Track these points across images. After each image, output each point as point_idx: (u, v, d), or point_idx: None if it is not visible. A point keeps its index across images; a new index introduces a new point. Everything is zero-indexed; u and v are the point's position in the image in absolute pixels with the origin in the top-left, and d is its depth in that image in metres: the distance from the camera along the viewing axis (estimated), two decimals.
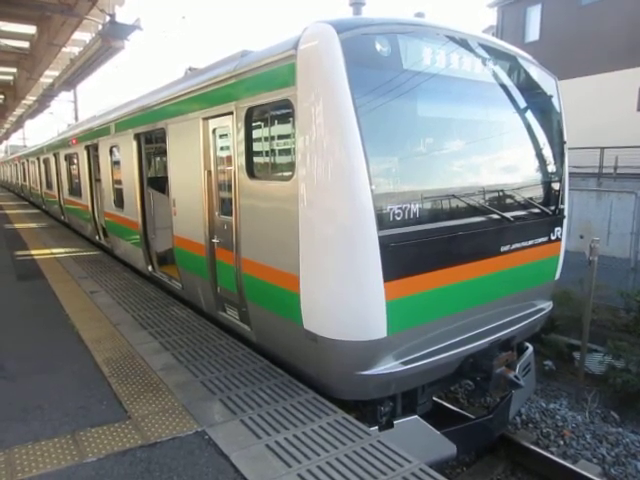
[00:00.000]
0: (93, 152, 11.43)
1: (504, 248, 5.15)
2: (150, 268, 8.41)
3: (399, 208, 4.16)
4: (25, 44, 14.77)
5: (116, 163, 9.81)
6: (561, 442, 6.69)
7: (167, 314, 6.63)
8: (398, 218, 4.16)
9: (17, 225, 16.38)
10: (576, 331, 8.98)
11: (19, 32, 13.75)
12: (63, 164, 15.34)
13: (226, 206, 5.74)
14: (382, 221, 4.03)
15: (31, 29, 13.49)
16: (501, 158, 5.51)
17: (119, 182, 9.56)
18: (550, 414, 7.35)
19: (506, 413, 5.85)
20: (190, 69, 7.39)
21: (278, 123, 4.72)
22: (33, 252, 11.18)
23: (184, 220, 6.73)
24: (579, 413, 7.45)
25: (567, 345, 9.16)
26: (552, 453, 6.32)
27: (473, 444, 5.79)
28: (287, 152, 4.55)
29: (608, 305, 9.65)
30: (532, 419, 7.20)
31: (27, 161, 25.78)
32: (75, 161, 13.70)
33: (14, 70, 18.20)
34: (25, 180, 28.08)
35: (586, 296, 8.04)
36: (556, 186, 5.91)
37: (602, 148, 18.37)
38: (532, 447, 6.26)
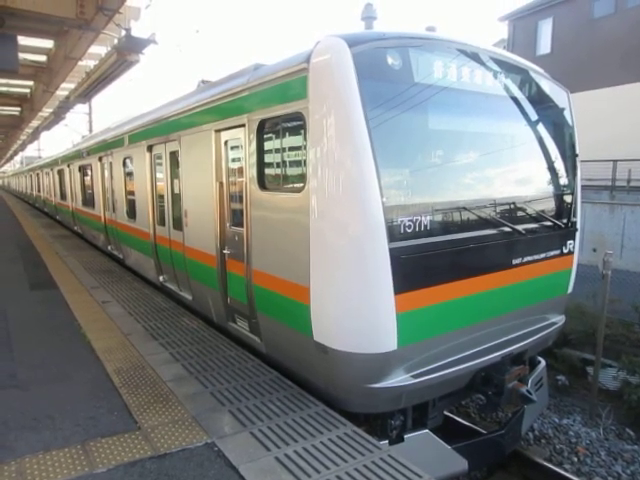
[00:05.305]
0: (107, 163, 11.58)
1: (516, 261, 5.12)
2: (161, 278, 8.46)
3: (410, 220, 4.16)
4: (42, 58, 15.06)
5: (129, 174, 9.94)
6: (575, 459, 6.57)
7: (177, 324, 6.65)
8: (409, 230, 4.15)
9: (31, 235, 16.58)
10: (589, 345, 8.85)
11: (37, 46, 14.04)
12: (76, 175, 15.56)
13: (237, 217, 5.77)
14: (393, 233, 4.03)
15: (49, 43, 13.77)
16: (513, 171, 5.49)
17: (132, 193, 9.67)
18: (563, 430, 7.23)
19: (518, 428, 5.77)
20: (203, 82, 7.49)
21: (289, 135, 4.76)
22: (46, 261, 11.31)
23: (195, 231, 6.78)
24: (593, 429, 7.33)
25: (580, 360, 9.03)
26: (566, 470, 6.20)
27: (485, 460, 5.71)
28: (298, 164, 4.58)
29: (622, 320, 9.50)
30: (545, 435, 7.09)
31: (41, 172, 26.19)
32: (88, 172, 13.90)
33: (31, 83, 18.53)
34: (39, 191, 28.49)
35: (599, 310, 7.94)
36: (568, 199, 5.88)
37: (615, 161, 18.24)
38: (545, 463, 6.16)
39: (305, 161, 4.33)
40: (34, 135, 32.67)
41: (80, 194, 15.25)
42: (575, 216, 5.89)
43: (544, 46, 24.84)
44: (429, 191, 4.57)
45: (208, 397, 4.51)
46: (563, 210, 5.82)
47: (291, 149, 4.76)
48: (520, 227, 5.10)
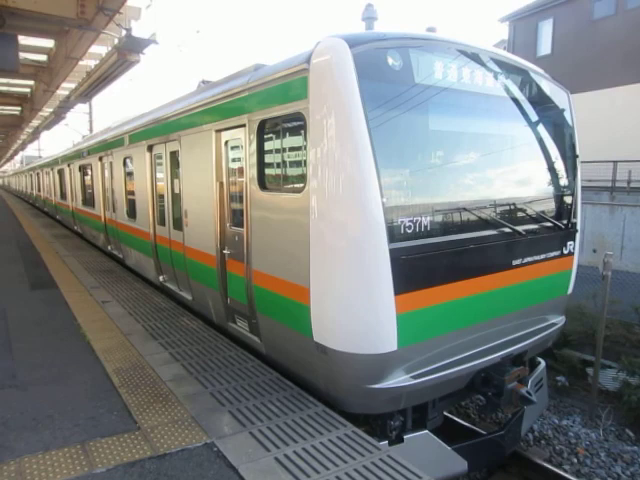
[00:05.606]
0: (107, 163, 11.59)
1: (516, 262, 5.12)
2: (161, 278, 8.46)
3: (410, 221, 4.16)
4: (43, 57, 15.05)
5: (129, 174, 9.94)
6: (575, 460, 6.57)
7: (177, 324, 6.65)
8: (409, 231, 4.15)
9: (31, 234, 16.58)
10: (589, 346, 8.85)
11: (38, 46, 14.04)
12: (76, 175, 15.56)
13: (237, 217, 5.77)
14: (393, 234, 4.03)
15: (49, 43, 13.77)
16: (513, 172, 5.49)
17: (132, 193, 9.68)
18: (563, 431, 7.23)
19: (518, 429, 5.76)
20: (203, 82, 7.49)
21: (290, 136, 4.76)
22: (46, 261, 11.31)
23: (196, 231, 6.78)
24: (593, 430, 7.32)
25: (580, 361, 9.03)
26: (565, 471, 6.20)
27: (484, 460, 5.71)
28: (298, 164, 4.58)
29: (622, 320, 9.50)
30: (545, 436, 7.09)
31: (42, 171, 26.20)
32: (88, 172, 13.90)
33: (32, 83, 18.53)
34: (39, 190, 28.50)
35: (599, 311, 7.94)
36: (568, 200, 5.88)
37: (615, 162, 18.24)
38: (545, 464, 6.15)
39: (305, 161, 4.33)
40: (34, 135, 32.68)
41: (80, 194, 15.25)
42: (575, 217, 5.89)
43: (544, 47, 24.84)
44: (429, 192, 4.57)
45: (208, 397, 4.51)
46: (563, 211, 5.82)
47: (291, 149, 4.76)
48: (520, 228, 5.10)
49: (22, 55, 12.37)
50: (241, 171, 5.53)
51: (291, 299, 4.66)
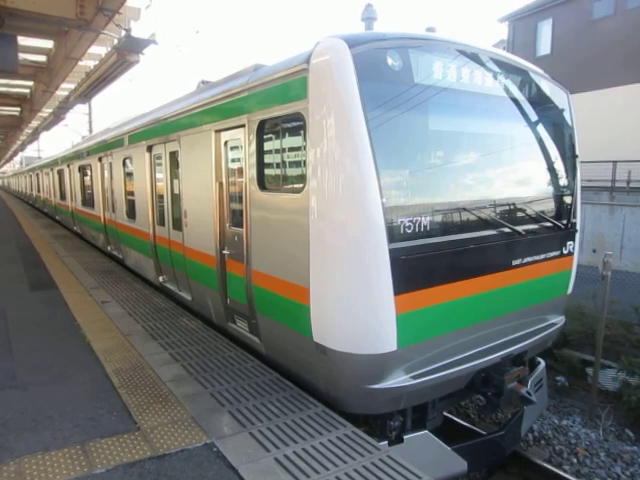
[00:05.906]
0: (106, 164, 11.59)
1: (515, 262, 5.12)
2: (161, 279, 8.46)
3: (410, 221, 4.17)
4: (42, 58, 15.04)
5: (129, 174, 9.94)
6: (574, 460, 6.57)
7: (177, 325, 6.65)
8: (409, 231, 4.16)
9: (30, 235, 16.57)
10: (589, 346, 8.85)
11: (37, 46, 14.03)
12: (76, 175, 15.56)
13: (237, 218, 5.77)
14: (393, 234, 4.03)
15: (49, 43, 13.76)
16: (512, 172, 5.50)
17: (131, 193, 9.68)
18: (563, 431, 7.23)
19: (518, 429, 5.76)
20: (203, 82, 7.49)
21: (289, 136, 4.76)
22: (46, 262, 11.30)
23: (195, 231, 6.78)
24: (593, 430, 7.32)
25: (580, 361, 9.03)
26: (565, 471, 6.20)
27: (484, 461, 5.71)
28: (298, 165, 4.58)
29: (622, 320, 9.50)
30: (544, 436, 7.09)
31: (41, 172, 26.19)
32: (88, 172, 13.90)
33: (31, 83, 18.51)
34: (39, 191, 28.50)
35: (599, 311, 7.94)
36: (568, 200, 5.89)
37: (614, 162, 18.25)
38: (545, 464, 6.15)
39: (305, 162, 4.33)
40: (34, 135, 32.66)
41: (80, 194, 15.25)
42: (575, 217, 5.89)
43: (544, 47, 24.85)
44: (429, 192, 4.57)
45: (208, 398, 4.51)
46: (563, 211, 5.82)
47: (291, 150, 4.76)
48: (520, 228, 5.10)
49: (21, 56, 12.36)
50: (240, 171, 5.53)
51: (291, 299, 4.66)
